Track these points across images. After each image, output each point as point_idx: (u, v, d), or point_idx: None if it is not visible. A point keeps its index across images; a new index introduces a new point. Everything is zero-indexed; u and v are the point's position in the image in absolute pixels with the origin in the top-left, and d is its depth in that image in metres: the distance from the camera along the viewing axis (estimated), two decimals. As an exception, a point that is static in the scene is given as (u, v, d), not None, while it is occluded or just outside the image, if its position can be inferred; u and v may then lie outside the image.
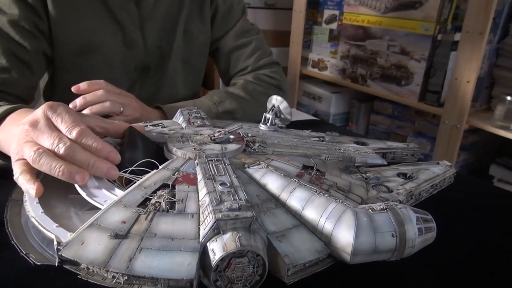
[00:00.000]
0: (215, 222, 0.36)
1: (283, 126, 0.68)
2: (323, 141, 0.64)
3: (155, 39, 0.88)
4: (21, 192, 0.49)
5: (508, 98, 1.26)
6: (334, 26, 1.85)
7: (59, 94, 0.86)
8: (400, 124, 1.74)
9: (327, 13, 1.88)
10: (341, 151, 0.58)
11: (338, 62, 1.83)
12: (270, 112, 0.64)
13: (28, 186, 0.42)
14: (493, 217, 0.55)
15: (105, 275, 0.36)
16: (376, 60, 1.65)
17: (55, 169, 0.41)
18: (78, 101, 0.71)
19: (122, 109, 0.73)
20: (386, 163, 0.59)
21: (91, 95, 0.71)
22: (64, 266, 0.37)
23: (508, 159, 1.42)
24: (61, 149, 0.43)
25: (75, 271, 0.36)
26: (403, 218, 0.38)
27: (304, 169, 0.50)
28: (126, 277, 0.35)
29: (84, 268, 0.36)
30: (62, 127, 0.45)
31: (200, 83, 1.06)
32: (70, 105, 0.72)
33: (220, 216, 0.36)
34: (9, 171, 0.46)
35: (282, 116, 0.65)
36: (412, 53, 1.51)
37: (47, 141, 0.44)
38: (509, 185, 1.43)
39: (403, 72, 1.56)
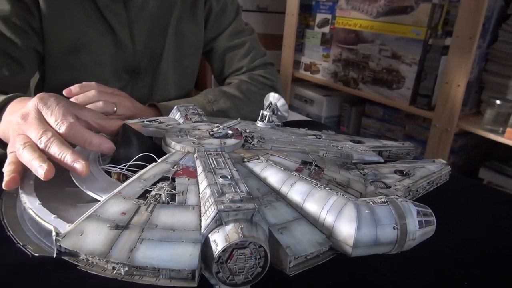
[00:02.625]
0: (217, 213, 0.36)
1: (280, 123, 0.68)
2: (319, 138, 0.64)
3: (144, 41, 0.87)
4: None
5: (498, 102, 1.29)
6: (326, 30, 1.87)
7: (49, 92, 0.85)
8: (391, 127, 1.76)
9: (319, 17, 1.89)
10: (339, 148, 0.59)
11: (330, 65, 1.84)
12: (268, 109, 0.65)
13: (5, 177, 0.43)
14: (485, 214, 0.55)
15: (105, 266, 0.35)
16: (367, 63, 1.67)
17: (31, 162, 0.42)
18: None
19: (115, 108, 0.73)
20: (383, 160, 0.60)
21: (83, 96, 0.71)
22: (63, 257, 0.36)
23: (497, 162, 1.45)
24: (42, 143, 0.43)
25: (74, 262, 0.35)
26: (403, 211, 0.39)
27: (303, 164, 0.50)
28: (126, 268, 0.34)
29: (83, 259, 0.36)
30: (52, 120, 0.45)
31: (192, 84, 1.06)
32: None
33: (222, 207, 0.36)
34: (3, 163, 0.45)
35: (279, 113, 0.65)
36: (403, 57, 1.53)
37: (33, 134, 0.44)
38: (499, 188, 1.45)
39: (394, 76, 1.57)
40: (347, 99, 1.91)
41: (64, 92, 0.71)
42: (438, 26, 1.46)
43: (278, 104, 0.64)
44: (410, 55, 1.50)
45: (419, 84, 1.51)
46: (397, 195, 0.48)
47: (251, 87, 0.92)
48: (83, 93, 0.71)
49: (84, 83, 0.75)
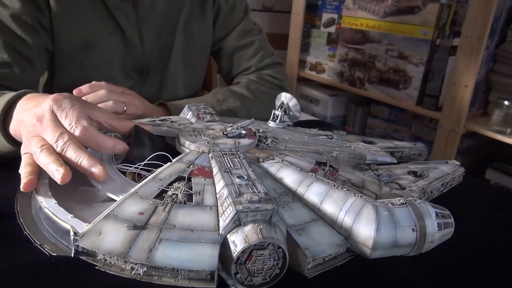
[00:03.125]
0: (236, 213, 0.35)
1: (290, 123, 0.68)
2: (331, 139, 0.64)
3: (153, 40, 0.87)
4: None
5: (506, 103, 1.28)
6: (332, 29, 1.86)
7: (58, 91, 0.85)
8: (397, 127, 1.75)
9: (325, 16, 1.89)
10: (352, 148, 0.58)
11: (336, 65, 1.84)
12: (279, 109, 0.64)
13: (22, 179, 0.43)
14: (498, 216, 0.55)
15: (123, 266, 0.35)
16: (374, 63, 1.66)
17: (48, 166, 0.41)
18: None
19: (125, 108, 0.73)
20: (395, 161, 0.59)
21: (92, 95, 0.71)
22: (80, 257, 0.36)
23: (504, 163, 1.44)
24: (58, 146, 0.43)
25: (92, 262, 0.35)
26: (422, 212, 0.38)
27: (317, 165, 0.50)
28: (145, 268, 0.34)
29: (101, 259, 0.35)
30: (66, 123, 0.45)
31: (200, 84, 1.06)
32: None
33: (241, 208, 0.36)
34: (17, 163, 0.45)
35: (291, 113, 0.65)
36: (410, 57, 1.52)
37: (49, 136, 0.44)
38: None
39: (401, 76, 1.57)
40: (352, 99, 1.91)
41: (74, 92, 0.71)
42: (445, 26, 1.45)
43: (290, 104, 0.64)
44: (418, 55, 1.50)
45: (426, 85, 1.50)
46: (413, 197, 0.48)
47: (260, 86, 0.92)
48: (93, 92, 0.72)
49: (93, 82, 0.75)
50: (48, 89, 0.87)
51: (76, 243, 0.35)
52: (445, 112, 1.40)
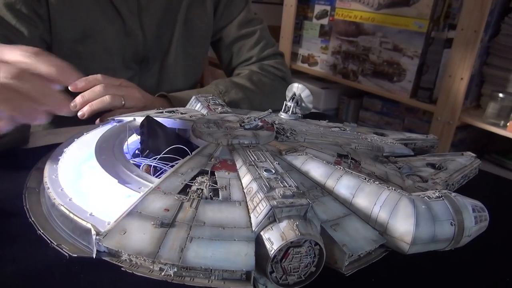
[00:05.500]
0: (270, 209, 0.33)
1: (301, 115, 0.66)
2: (344, 131, 0.62)
3: (154, 29, 0.84)
4: (36, 180, 0.45)
5: (501, 95, 1.29)
6: (325, 21, 1.84)
7: None
8: (389, 120, 1.76)
9: (318, 8, 1.87)
10: (368, 140, 0.57)
11: (328, 57, 1.82)
12: (291, 100, 0.62)
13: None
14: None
15: (151, 267, 0.32)
16: (368, 56, 1.65)
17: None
18: (77, 101, 0.69)
19: (123, 101, 0.70)
20: (412, 153, 0.58)
21: (89, 92, 0.68)
22: (103, 258, 0.33)
23: (497, 155, 1.46)
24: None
25: (117, 263, 0.33)
26: (459, 206, 0.37)
27: (339, 157, 0.48)
28: (175, 269, 0.32)
29: (125, 259, 0.33)
30: None
31: (200, 75, 1.02)
32: (71, 105, 0.69)
33: (275, 203, 0.34)
34: (19, 161, 0.42)
35: (303, 104, 0.63)
36: (405, 50, 1.52)
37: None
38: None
39: (395, 68, 1.56)
40: (345, 92, 1.90)
41: (70, 88, 0.68)
42: (440, 19, 1.45)
43: (303, 95, 0.62)
44: (412, 48, 1.49)
45: (421, 77, 1.50)
46: (436, 189, 0.46)
47: (263, 78, 0.89)
48: (88, 87, 0.69)
49: (90, 76, 0.72)
50: None
51: (99, 243, 0.33)
52: (440, 104, 1.40)
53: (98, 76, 0.72)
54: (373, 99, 1.77)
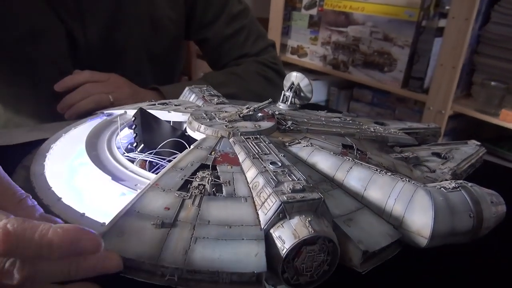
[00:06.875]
0: (280, 205, 0.31)
1: (299, 105, 0.63)
2: (344, 121, 0.60)
3: (100, 34, 0.75)
4: (21, 179, 0.42)
5: (492, 83, 1.28)
6: (314, 11, 1.82)
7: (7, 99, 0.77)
8: (380, 111, 1.74)
9: (306, -2, 1.84)
10: (372, 130, 0.55)
11: (318, 48, 1.80)
12: (289, 90, 0.60)
13: None
14: None
15: (153, 271, 0.30)
16: (358, 46, 1.63)
17: None
18: (62, 104, 0.66)
19: (111, 99, 0.67)
20: (417, 143, 0.56)
21: (74, 94, 0.66)
22: (99, 262, 0.30)
23: (489, 144, 1.46)
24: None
25: (114, 268, 0.30)
26: (477, 197, 0.35)
27: (345, 148, 0.46)
28: (179, 273, 0.29)
29: (124, 264, 0.30)
30: None
31: (177, 75, 0.97)
32: (57, 108, 0.67)
33: (285, 198, 0.31)
34: (3, 160, 0.39)
35: (302, 94, 0.60)
36: (395, 40, 1.51)
37: None
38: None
39: (386, 58, 1.55)
40: (335, 83, 1.88)
41: (55, 87, 0.66)
42: (430, 7, 1.44)
43: (302, 84, 0.60)
44: (403, 37, 1.48)
45: (412, 67, 1.49)
46: (445, 179, 0.45)
47: (256, 72, 0.86)
48: (73, 85, 0.66)
49: (75, 73, 0.69)
50: None
51: (95, 247, 0.30)
52: (431, 94, 1.39)
53: (85, 72, 0.69)
54: (364, 89, 1.76)
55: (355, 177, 0.38)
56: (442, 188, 0.35)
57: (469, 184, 0.36)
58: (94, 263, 0.27)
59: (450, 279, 0.35)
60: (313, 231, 0.30)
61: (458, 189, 0.35)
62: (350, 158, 0.40)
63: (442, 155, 0.52)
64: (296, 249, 0.30)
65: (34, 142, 0.53)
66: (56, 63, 0.73)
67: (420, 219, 0.33)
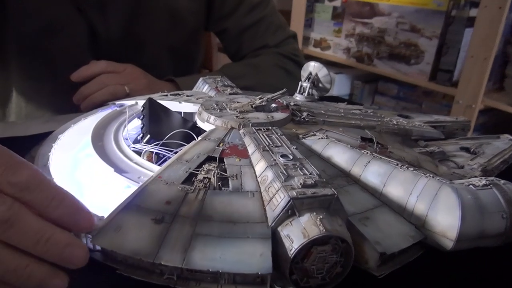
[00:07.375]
0: (289, 201, 0.28)
1: (317, 97, 0.60)
2: (365, 113, 0.56)
3: (121, 26, 0.74)
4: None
5: (527, 76, 1.21)
6: (337, 3, 1.77)
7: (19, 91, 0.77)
8: (406, 105, 1.68)
9: (330, -11, 1.79)
10: (394, 123, 0.51)
11: (342, 41, 1.75)
12: (307, 80, 0.57)
13: None
14: None
15: (151, 269, 0.28)
16: (383, 38, 1.58)
17: None
18: (78, 97, 0.66)
19: (127, 90, 0.66)
20: (443, 137, 0.53)
21: (89, 85, 0.65)
22: (96, 258, 0.29)
23: (522, 140, 1.38)
24: None
25: (111, 264, 0.28)
26: (511, 196, 0.32)
27: (364, 141, 0.43)
28: (178, 272, 0.27)
29: (121, 261, 0.28)
30: None
31: (197, 67, 0.96)
32: (74, 99, 0.67)
33: (295, 194, 0.29)
34: (15, 150, 0.38)
35: (320, 85, 0.57)
36: (423, 30, 1.44)
37: None
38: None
39: (412, 50, 1.49)
40: (359, 77, 1.83)
41: (72, 77, 0.65)
42: (460, -4, 1.37)
43: (320, 75, 0.57)
44: (431, 28, 1.42)
45: (440, 59, 1.42)
46: (475, 176, 0.41)
47: (276, 64, 0.84)
48: (90, 75, 0.66)
49: (91, 64, 0.68)
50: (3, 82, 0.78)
51: (91, 242, 0.28)
52: (461, 87, 1.33)
53: (101, 62, 0.68)
54: (389, 83, 1.70)
55: (374, 172, 0.35)
56: (471, 186, 0.32)
57: (502, 181, 0.33)
58: (66, 241, 0.26)
59: (478, 286, 0.32)
60: (324, 230, 0.27)
61: (489, 186, 0.32)
62: (369, 152, 0.37)
63: (472, 150, 0.49)
64: (306, 249, 0.28)
65: (49, 133, 0.53)
66: (76, 56, 0.73)
67: (445, 219, 0.30)
